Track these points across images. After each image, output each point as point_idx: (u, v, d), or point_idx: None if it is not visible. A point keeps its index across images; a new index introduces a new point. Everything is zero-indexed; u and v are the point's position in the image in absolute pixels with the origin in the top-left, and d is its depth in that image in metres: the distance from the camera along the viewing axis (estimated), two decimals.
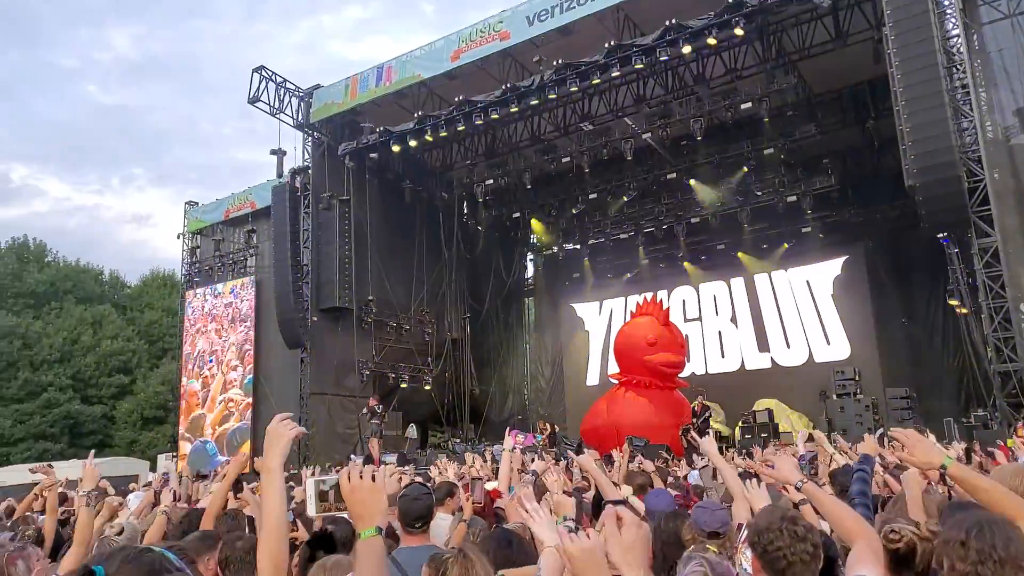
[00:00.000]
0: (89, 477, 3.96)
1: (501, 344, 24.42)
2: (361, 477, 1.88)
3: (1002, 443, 7.61)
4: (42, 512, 5.32)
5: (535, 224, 23.82)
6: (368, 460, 13.59)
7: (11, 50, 77.02)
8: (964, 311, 13.94)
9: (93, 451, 5.29)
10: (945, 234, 13.47)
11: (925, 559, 2.41)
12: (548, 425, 18.92)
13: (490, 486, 5.33)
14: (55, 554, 4.30)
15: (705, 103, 17.15)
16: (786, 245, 20.79)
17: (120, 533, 4.27)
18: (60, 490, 5.81)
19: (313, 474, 8.48)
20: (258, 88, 18.91)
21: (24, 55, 78.28)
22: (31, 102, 79.82)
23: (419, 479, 6.50)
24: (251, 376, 20.72)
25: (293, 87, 19.66)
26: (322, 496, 1.97)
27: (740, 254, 21.52)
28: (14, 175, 76.12)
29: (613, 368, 18.70)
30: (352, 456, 16.99)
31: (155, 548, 1.44)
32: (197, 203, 24.84)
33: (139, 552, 1.35)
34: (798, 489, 2.85)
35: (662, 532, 3.63)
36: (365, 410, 17.69)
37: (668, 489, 5.30)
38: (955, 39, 13.16)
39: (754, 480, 3.21)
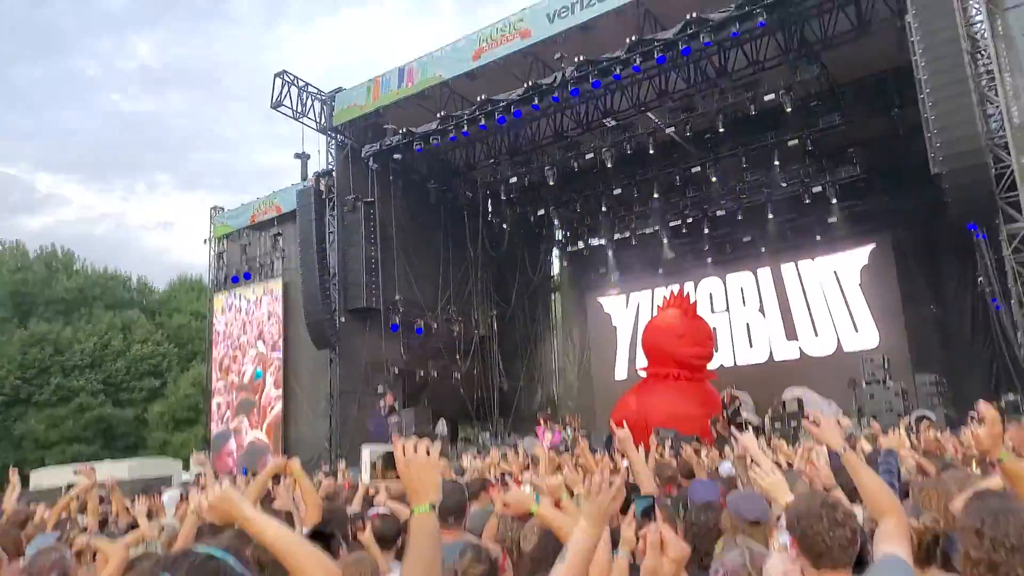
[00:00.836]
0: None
1: (528, 340, 24.57)
2: (415, 450, 1.85)
3: None
4: (82, 512, 5.48)
5: (559, 221, 23.94)
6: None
7: (35, 60, 78.33)
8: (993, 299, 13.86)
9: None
10: (973, 223, 13.41)
11: (923, 548, 2.51)
12: (575, 420, 19.06)
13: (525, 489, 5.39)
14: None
15: (728, 96, 17.13)
16: (815, 237, 20.73)
17: (161, 532, 4.46)
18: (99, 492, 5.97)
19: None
20: (281, 92, 19.16)
21: (48, 65, 79.62)
22: (56, 112, 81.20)
23: (451, 473, 6.66)
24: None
25: (315, 90, 19.89)
26: (375, 467, 2.04)
27: (766, 246, 21.50)
28: (40, 184, 77.65)
29: (641, 362, 18.81)
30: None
31: (216, 553, 1.42)
32: (223, 208, 25.20)
33: (205, 559, 1.34)
34: (839, 455, 2.81)
35: (694, 524, 3.75)
36: (384, 407, 17.99)
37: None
38: (978, 25, 13.09)
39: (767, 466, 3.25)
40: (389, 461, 1.95)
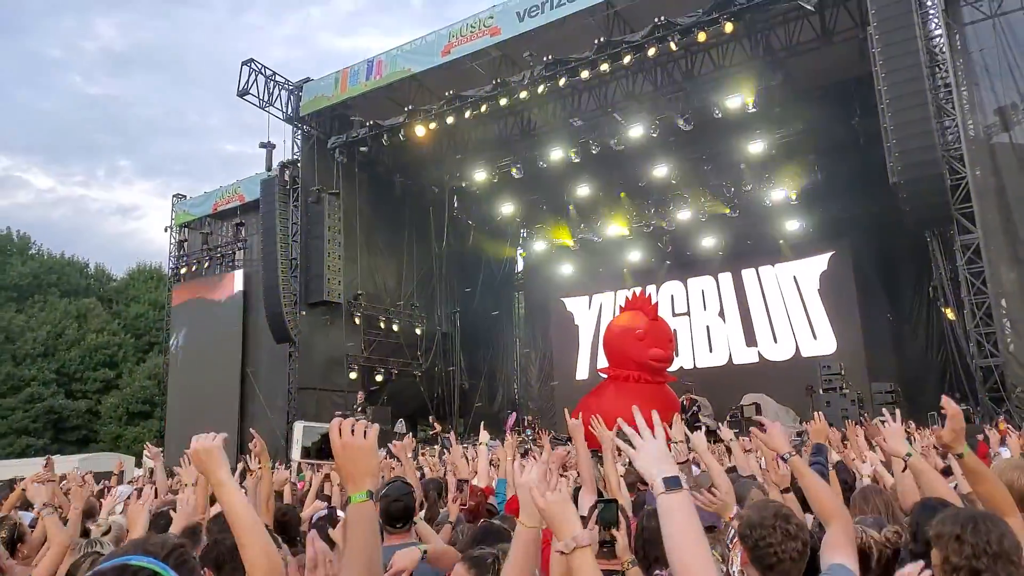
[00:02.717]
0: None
1: (491, 339, 24.50)
2: (353, 433, 1.72)
3: (981, 438, 7.78)
4: (24, 508, 5.29)
5: (524, 218, 23.91)
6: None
7: None
8: (951, 316, 14.15)
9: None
10: (928, 231, 13.69)
11: (881, 562, 2.51)
12: (536, 423, 19.05)
13: (477, 483, 5.30)
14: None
15: (693, 99, 17.29)
16: (780, 242, 20.97)
17: (107, 533, 4.27)
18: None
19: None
20: (247, 81, 18.85)
21: (7, 44, 77.32)
22: (14, 92, 78.85)
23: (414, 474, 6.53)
24: None
25: (283, 80, 19.60)
26: (306, 450, 1.95)
27: (727, 250, 21.71)
28: None
29: (603, 362, 18.82)
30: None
31: (152, 566, 1.36)
32: (185, 196, 24.73)
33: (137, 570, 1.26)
34: (784, 460, 2.84)
35: (645, 529, 3.71)
36: (356, 405, 17.79)
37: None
38: (938, 39, 13.40)
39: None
40: (325, 448, 1.85)
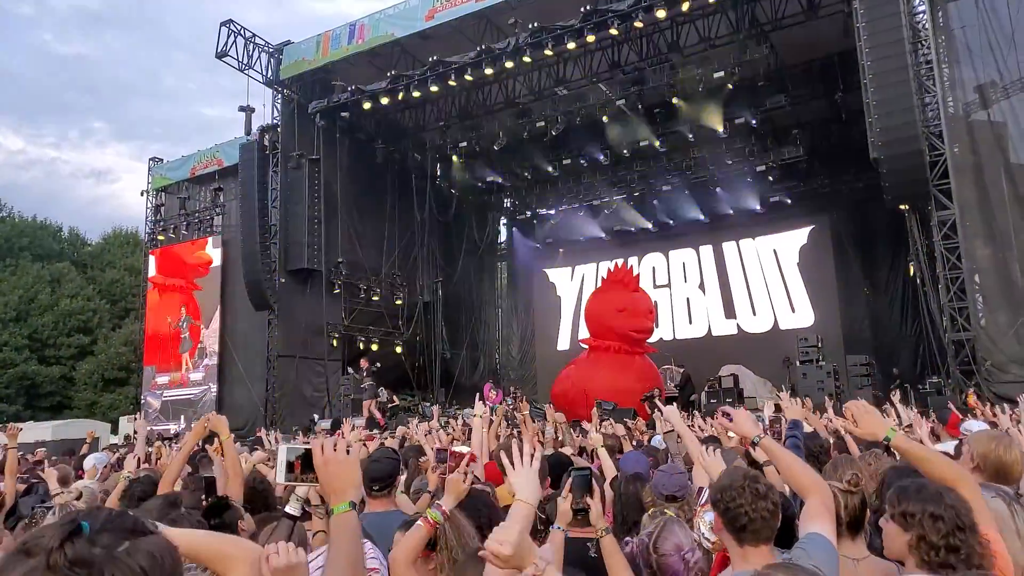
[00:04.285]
0: None
1: (473, 308, 24.51)
2: (336, 449, 1.80)
3: (954, 409, 7.98)
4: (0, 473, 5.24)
5: (508, 188, 23.81)
6: (335, 425, 13.56)
7: None
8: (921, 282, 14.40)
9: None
10: (906, 206, 13.87)
11: (849, 512, 2.56)
12: (518, 392, 19.15)
13: (462, 449, 5.34)
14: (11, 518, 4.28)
15: (678, 71, 17.21)
16: (757, 215, 21.13)
17: (79, 498, 4.27)
18: (20, 454, 5.72)
19: (276, 440, 8.48)
20: (226, 43, 18.43)
21: None
22: None
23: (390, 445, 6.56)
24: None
25: (263, 42, 19.19)
26: (290, 466, 1.94)
27: (709, 222, 21.84)
28: None
29: (584, 333, 18.96)
30: (315, 418, 17.06)
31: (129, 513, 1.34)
32: (162, 160, 24.28)
33: (119, 512, 1.26)
34: (754, 445, 2.82)
35: (623, 495, 3.79)
36: (359, 373, 17.80)
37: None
38: (921, 15, 13.44)
39: (712, 448, 3.28)
40: (308, 462, 1.88)
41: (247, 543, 1.75)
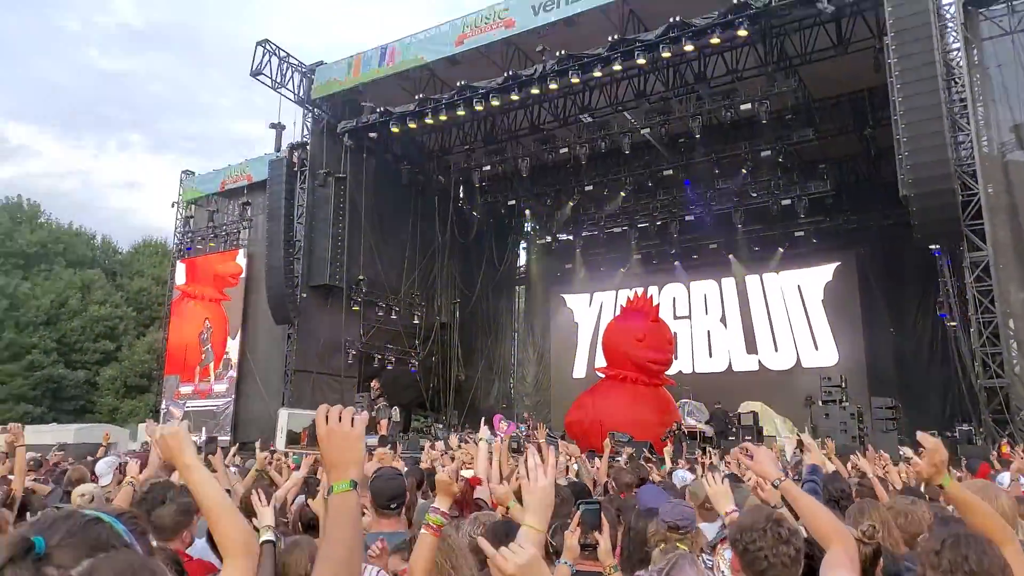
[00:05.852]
0: None
1: (489, 331, 24.42)
2: (340, 419, 1.64)
3: (994, 459, 7.68)
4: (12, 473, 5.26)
5: (529, 213, 23.81)
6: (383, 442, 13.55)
7: (16, 10, 76.04)
8: (953, 324, 13.99)
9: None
10: (937, 246, 13.53)
11: (860, 563, 2.43)
12: (532, 419, 18.94)
13: (467, 474, 5.28)
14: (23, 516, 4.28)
15: (705, 102, 17.12)
16: (781, 250, 20.84)
17: (92, 502, 4.24)
18: (31, 455, 5.76)
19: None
20: (261, 61, 18.79)
21: (28, 16, 77.31)
22: (32, 63, 78.91)
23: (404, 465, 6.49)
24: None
25: (296, 62, 19.53)
26: (292, 435, 1.92)
27: (732, 255, 21.57)
28: (12, 135, 75.43)
29: (600, 361, 18.79)
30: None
31: (105, 517, 1.26)
32: (193, 173, 24.70)
33: (85, 523, 1.19)
34: (775, 487, 2.73)
35: (633, 529, 3.65)
36: (372, 394, 17.80)
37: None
38: (955, 53, 13.20)
39: (716, 475, 3.14)
40: (310, 436, 1.81)
41: (254, 543, 1.82)
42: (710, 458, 8.39)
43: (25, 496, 4.84)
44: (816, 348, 20.35)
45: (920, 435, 2.74)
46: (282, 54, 19.24)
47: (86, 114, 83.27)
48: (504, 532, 2.80)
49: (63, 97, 79.90)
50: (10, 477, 5.18)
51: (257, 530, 2.79)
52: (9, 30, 74.78)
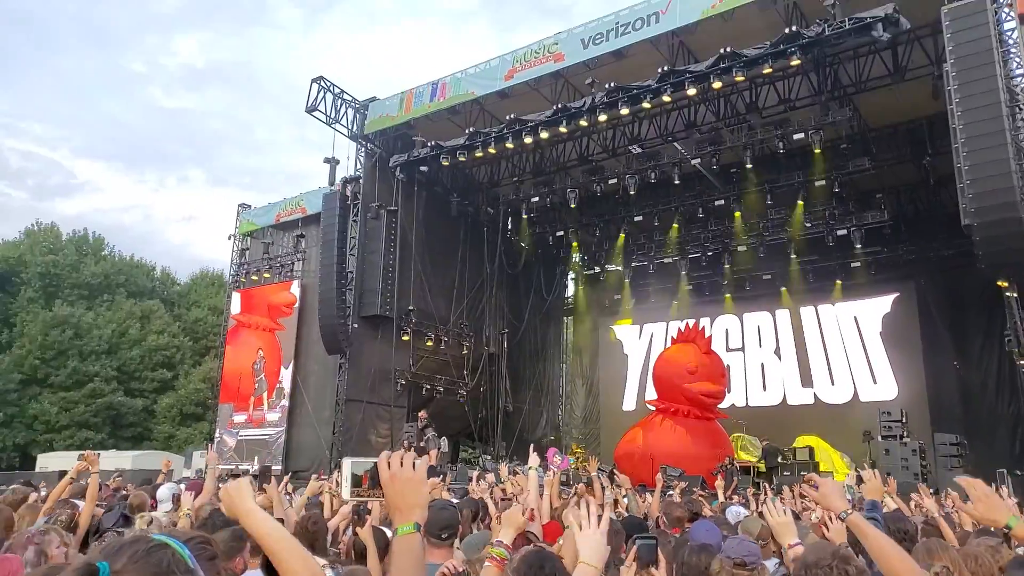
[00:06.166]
0: None
1: (538, 362, 24.36)
2: (402, 464, 1.71)
3: None
4: (82, 498, 5.41)
5: (577, 243, 23.82)
6: (432, 472, 13.60)
7: (86, 53, 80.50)
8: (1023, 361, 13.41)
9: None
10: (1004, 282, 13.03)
11: None
12: (584, 452, 18.74)
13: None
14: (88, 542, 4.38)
15: (756, 132, 16.97)
16: (839, 282, 20.34)
17: (150, 524, 4.35)
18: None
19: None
20: (316, 98, 19.35)
21: (97, 58, 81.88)
22: (100, 103, 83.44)
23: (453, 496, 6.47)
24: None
25: (350, 98, 20.07)
26: (356, 480, 1.89)
27: (785, 287, 21.15)
28: (79, 171, 79.28)
29: (651, 394, 18.54)
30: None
31: (172, 543, 1.31)
32: (249, 206, 25.47)
33: (149, 548, 1.23)
34: (842, 519, 2.64)
35: (685, 564, 3.56)
36: (420, 424, 17.85)
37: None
38: (1019, 78, 12.84)
39: (777, 505, 3.04)
40: (377, 477, 1.83)
41: (316, 568, 1.75)
42: (764, 492, 8.13)
43: (97, 523, 4.97)
44: (874, 381, 19.71)
45: (960, 479, 2.63)
46: (336, 91, 19.80)
47: (149, 150, 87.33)
48: (539, 564, 2.80)
49: (127, 134, 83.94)
50: (74, 501, 5.33)
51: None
52: (80, 72, 79.06)
